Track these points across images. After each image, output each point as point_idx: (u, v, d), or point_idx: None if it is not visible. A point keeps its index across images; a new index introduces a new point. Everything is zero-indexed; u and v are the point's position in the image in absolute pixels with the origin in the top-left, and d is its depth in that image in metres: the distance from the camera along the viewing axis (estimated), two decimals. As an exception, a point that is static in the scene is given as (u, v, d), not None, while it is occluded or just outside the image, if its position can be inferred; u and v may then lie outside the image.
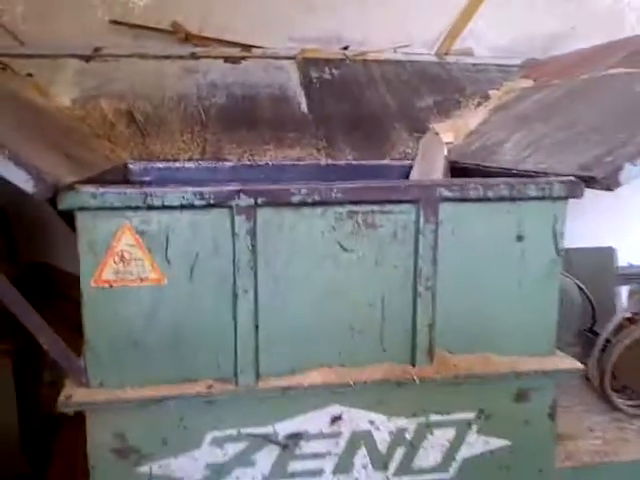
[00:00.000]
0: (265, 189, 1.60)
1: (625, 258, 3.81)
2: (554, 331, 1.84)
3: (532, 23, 3.78)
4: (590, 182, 1.69)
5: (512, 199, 1.73)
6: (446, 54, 3.64)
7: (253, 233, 1.61)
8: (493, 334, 1.81)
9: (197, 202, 1.56)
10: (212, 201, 1.57)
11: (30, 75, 2.88)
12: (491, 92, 3.27)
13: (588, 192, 3.82)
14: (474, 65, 3.53)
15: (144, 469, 1.68)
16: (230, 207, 1.59)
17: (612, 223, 3.87)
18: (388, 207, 1.69)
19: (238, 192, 1.58)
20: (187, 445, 1.69)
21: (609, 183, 1.64)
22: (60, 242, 3.22)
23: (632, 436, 2.11)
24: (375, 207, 1.68)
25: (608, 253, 3.77)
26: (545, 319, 1.82)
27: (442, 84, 3.33)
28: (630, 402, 2.28)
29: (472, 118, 2.98)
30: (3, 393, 2.87)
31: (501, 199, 1.72)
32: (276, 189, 1.61)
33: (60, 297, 3.08)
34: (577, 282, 2.91)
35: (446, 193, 1.69)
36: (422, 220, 1.69)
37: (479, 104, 3.17)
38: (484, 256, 1.76)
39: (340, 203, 1.65)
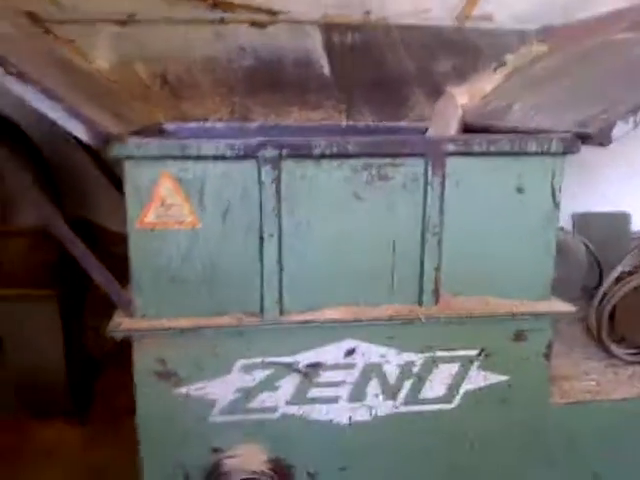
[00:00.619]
0: (288, 142, 1.78)
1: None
2: (550, 277, 2.01)
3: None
4: (585, 139, 1.84)
5: (513, 154, 1.88)
6: (466, 19, 3.74)
7: (278, 182, 1.80)
8: (493, 279, 1.98)
9: (228, 153, 1.75)
10: (241, 152, 1.76)
11: (72, 40, 3.08)
12: (508, 57, 3.39)
13: (607, 159, 3.94)
14: (492, 30, 3.62)
15: (182, 390, 1.91)
16: (257, 158, 1.77)
17: (628, 189, 4.00)
18: (399, 160, 1.86)
19: (265, 144, 1.76)
20: (219, 371, 1.91)
21: (602, 139, 1.79)
22: (101, 200, 3.46)
23: (624, 379, 2.28)
24: (387, 160, 1.85)
25: (623, 218, 3.91)
26: (542, 266, 1.99)
27: (460, 49, 3.43)
28: (626, 350, 2.44)
29: (487, 82, 3.10)
30: (51, 335, 3.16)
31: (503, 154, 1.88)
32: (298, 142, 1.79)
33: (101, 252, 3.36)
34: (585, 241, 3.07)
35: (452, 147, 1.85)
36: (430, 172, 1.86)
37: (495, 68, 3.30)
38: (486, 206, 1.93)
39: (355, 156, 1.83)
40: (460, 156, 1.87)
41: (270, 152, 1.77)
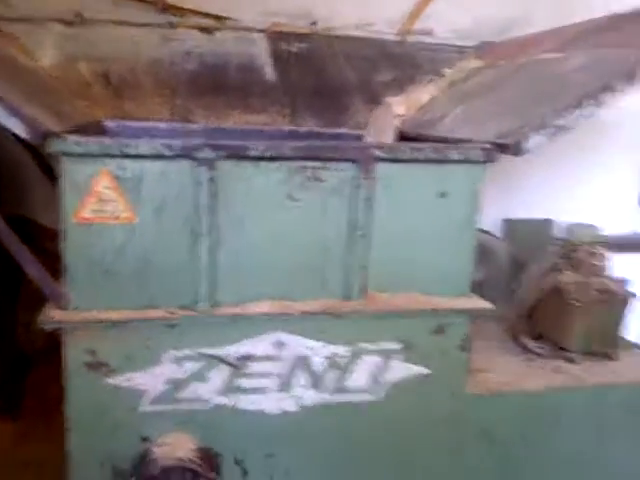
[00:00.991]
0: (227, 144, 1.86)
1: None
2: (469, 276, 2.15)
3: (491, 6, 4.05)
4: (504, 149, 1.99)
5: (437, 161, 2.02)
6: (407, 33, 3.91)
7: (214, 182, 1.88)
8: (417, 276, 2.11)
9: (166, 153, 1.82)
10: (179, 152, 1.83)
11: (16, 38, 3.08)
12: (445, 70, 3.56)
13: (537, 168, 4.15)
14: (432, 45, 3.81)
15: (112, 381, 1.95)
16: (195, 159, 1.85)
17: (553, 196, 4.25)
18: (332, 164, 1.96)
19: (203, 146, 1.84)
20: (150, 362, 1.96)
21: (516, 150, 1.94)
22: (37, 197, 3.45)
23: (538, 372, 2.44)
24: (321, 164, 1.96)
25: (547, 224, 4.15)
26: (462, 265, 2.13)
27: (400, 61, 3.60)
28: (540, 346, 2.61)
29: (424, 94, 3.26)
30: (-19, 331, 3.11)
31: (427, 161, 2.01)
32: (237, 144, 1.87)
33: (35, 249, 3.34)
34: (508, 245, 3.25)
35: (380, 154, 1.97)
36: (359, 176, 1.97)
37: (432, 81, 3.46)
38: (412, 209, 2.05)
39: (292, 159, 1.93)
40: (388, 162, 1.99)
41: (208, 153, 1.84)
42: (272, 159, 1.89)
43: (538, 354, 2.57)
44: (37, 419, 3.32)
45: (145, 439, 2.01)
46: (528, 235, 3.95)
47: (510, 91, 2.53)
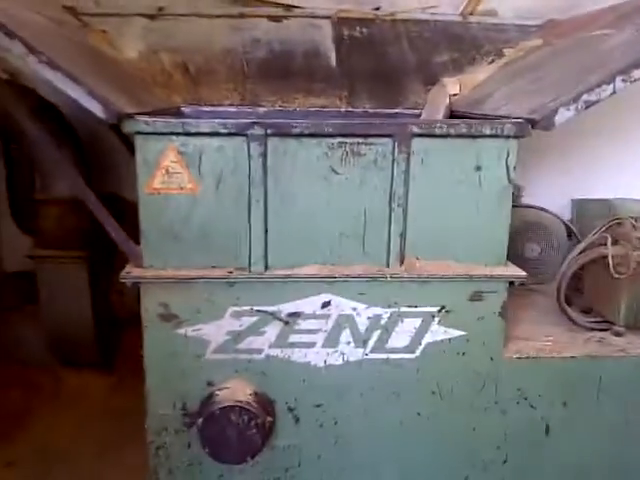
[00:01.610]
0: (273, 122, 2.11)
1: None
2: (505, 245, 2.28)
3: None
4: (534, 123, 2.10)
5: (471, 136, 2.16)
6: (471, 14, 3.98)
7: (264, 156, 2.12)
8: (454, 245, 2.26)
9: (222, 130, 2.09)
10: (233, 130, 2.09)
11: (104, 31, 3.46)
12: (506, 50, 3.62)
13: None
14: (495, 25, 3.85)
15: (182, 331, 2.25)
16: (247, 135, 2.10)
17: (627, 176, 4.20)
18: (370, 139, 2.15)
19: (253, 124, 2.09)
20: (213, 315, 2.25)
21: (546, 124, 2.05)
22: (124, 176, 3.85)
23: (580, 342, 2.53)
24: (360, 139, 2.15)
25: (619, 203, 4.11)
26: (497, 235, 2.26)
27: (461, 42, 3.68)
28: (589, 318, 2.69)
29: (481, 73, 3.36)
30: (81, 294, 3.56)
31: (461, 136, 2.16)
32: (281, 122, 2.11)
33: (124, 222, 3.73)
34: (567, 223, 3.30)
35: (416, 130, 2.14)
36: (397, 151, 2.15)
37: (492, 61, 3.54)
38: (448, 181, 2.20)
39: (332, 135, 2.14)
40: (424, 137, 2.16)
41: (257, 130, 2.09)
42: (312, 136, 2.11)
43: (584, 326, 2.65)
44: (128, 374, 3.75)
45: (209, 383, 2.30)
46: (594, 214, 3.95)
47: (554, 68, 2.60)
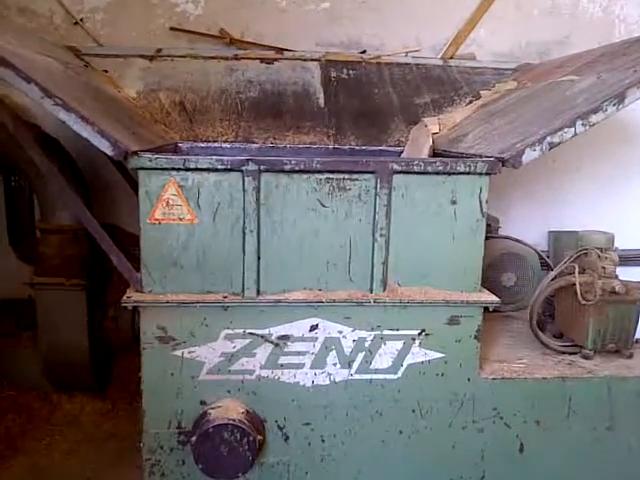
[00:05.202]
0: (266, 159, 2.30)
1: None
2: (479, 273, 2.46)
3: (529, 32, 4.35)
4: (504, 162, 2.32)
5: (447, 173, 2.36)
6: (450, 58, 4.25)
7: (258, 190, 2.31)
8: (432, 272, 2.45)
9: (219, 166, 2.27)
10: (229, 166, 2.28)
11: (106, 71, 3.67)
12: (482, 92, 3.87)
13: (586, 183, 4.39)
14: (473, 68, 4.12)
15: (178, 353, 2.40)
16: (242, 171, 2.29)
17: (601, 209, 4.45)
18: (355, 176, 2.35)
19: (247, 160, 2.28)
20: (208, 338, 2.40)
21: (514, 162, 2.27)
22: (124, 208, 4.03)
23: (551, 363, 2.69)
24: (345, 175, 2.35)
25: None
26: (472, 263, 2.45)
27: (441, 84, 3.94)
28: (559, 342, 2.86)
29: (459, 114, 3.59)
30: (77, 321, 3.68)
31: (438, 173, 2.36)
32: (274, 159, 2.31)
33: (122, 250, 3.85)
34: (540, 253, 3.50)
35: (396, 167, 2.34)
36: (379, 186, 2.35)
37: (470, 102, 3.79)
38: (426, 214, 2.40)
39: (320, 171, 2.33)
40: (404, 174, 2.36)
41: (251, 167, 2.28)
42: (302, 172, 2.30)
43: (555, 350, 2.82)
44: (121, 400, 3.87)
45: (203, 403, 2.44)
46: (567, 245, 4.17)
47: (525, 111, 2.83)
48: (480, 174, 2.37)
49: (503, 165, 2.34)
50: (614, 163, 4.45)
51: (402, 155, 3.38)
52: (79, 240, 3.56)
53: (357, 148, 3.44)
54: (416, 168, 2.35)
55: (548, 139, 2.26)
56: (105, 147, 2.13)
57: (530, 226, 4.49)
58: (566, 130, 2.27)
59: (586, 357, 2.75)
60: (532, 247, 3.42)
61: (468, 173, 2.36)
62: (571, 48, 4.24)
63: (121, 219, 4.02)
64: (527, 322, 2.90)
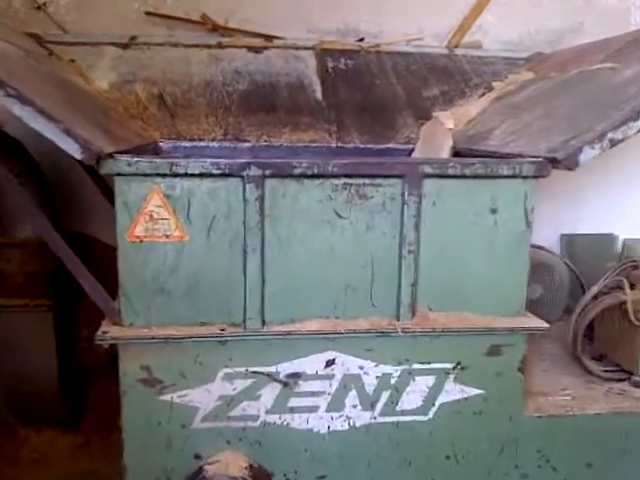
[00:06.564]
0: (272, 162, 1.89)
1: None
2: (524, 294, 2.09)
3: (539, 19, 3.99)
4: (555, 163, 1.94)
5: (487, 177, 1.98)
6: (456, 47, 3.87)
7: (261, 200, 1.90)
8: (469, 295, 2.07)
9: (214, 171, 1.86)
10: (227, 171, 1.86)
11: (73, 61, 3.21)
12: (495, 84, 3.51)
13: (594, 182, 4.04)
14: (481, 58, 3.76)
15: (166, 397, 1.99)
16: (242, 177, 1.87)
17: (618, 210, 4.10)
18: (378, 181, 1.96)
19: (249, 164, 1.87)
20: (202, 379, 1.99)
21: (569, 163, 1.89)
22: (95, 214, 3.56)
23: (599, 394, 2.35)
24: (367, 180, 1.95)
25: (609, 239, 4.00)
26: (515, 283, 2.08)
27: (449, 75, 3.57)
28: (603, 367, 2.51)
29: (474, 107, 3.22)
30: (44, 345, 3.22)
31: (477, 176, 1.98)
32: (281, 162, 1.90)
33: (95, 265, 3.43)
34: (568, 263, 3.15)
35: (428, 170, 1.95)
36: (407, 193, 1.96)
37: (483, 94, 3.42)
38: (462, 225, 2.02)
39: (336, 176, 1.93)
40: (436, 178, 1.97)
41: (254, 171, 1.87)
42: (315, 176, 1.90)
43: (599, 376, 2.47)
44: (97, 432, 3.41)
45: (198, 456, 2.03)
46: (588, 251, 3.83)
47: (561, 103, 2.47)
48: (525, 177, 1.99)
49: (554, 167, 1.96)
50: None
51: (413, 155, 2.98)
52: (43, 255, 3.09)
53: (362, 147, 3.03)
54: (451, 171, 1.96)
55: (610, 135, 1.89)
56: (73, 149, 1.70)
57: (539, 229, 4.13)
58: (630, 125, 1.90)
59: (637, 385, 2.39)
60: (558, 255, 3.07)
61: (512, 177, 1.98)
62: (585, 37, 3.89)
63: (95, 228, 3.55)
64: (559, 340, 2.57)
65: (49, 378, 3.27)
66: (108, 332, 1.94)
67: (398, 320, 2.04)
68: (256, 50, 3.57)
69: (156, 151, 2.79)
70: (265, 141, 3.01)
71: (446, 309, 2.06)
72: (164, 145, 2.86)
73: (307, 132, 3.08)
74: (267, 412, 2.04)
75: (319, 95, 3.31)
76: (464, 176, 1.98)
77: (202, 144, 2.93)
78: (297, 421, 2.06)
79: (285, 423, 2.05)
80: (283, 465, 2.08)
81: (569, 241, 4.17)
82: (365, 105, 3.29)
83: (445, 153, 2.69)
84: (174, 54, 3.42)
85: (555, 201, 4.17)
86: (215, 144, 2.96)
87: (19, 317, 3.15)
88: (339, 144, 3.02)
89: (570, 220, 4.12)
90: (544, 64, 3.46)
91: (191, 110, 3.10)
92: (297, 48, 3.63)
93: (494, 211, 2.02)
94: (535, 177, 1.99)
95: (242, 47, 3.57)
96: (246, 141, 2.98)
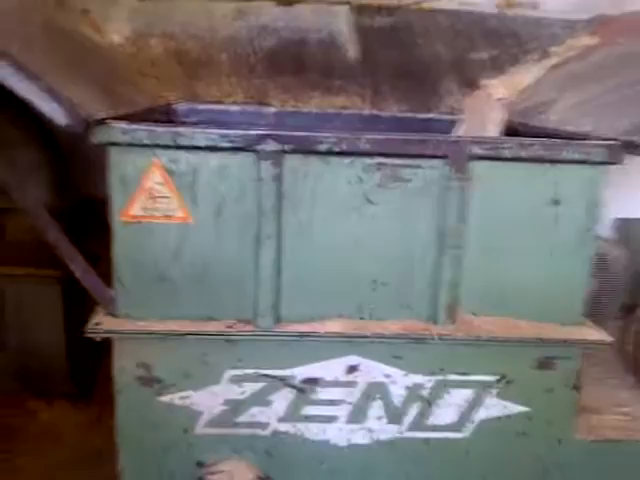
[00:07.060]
0: (292, 135, 1.60)
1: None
2: (583, 301, 1.79)
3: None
4: (630, 147, 1.61)
5: (549, 161, 1.66)
6: (508, 6, 3.48)
7: (279, 180, 1.62)
8: (520, 299, 1.77)
9: (225, 144, 1.57)
10: (239, 144, 1.58)
11: (86, 11, 2.92)
12: (553, 49, 3.13)
13: None
14: (537, 20, 3.36)
15: (166, 398, 1.76)
16: (257, 152, 1.59)
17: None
18: (417, 161, 1.65)
19: (265, 136, 1.57)
20: (207, 380, 1.76)
21: (653, 149, 1.56)
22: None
23: (662, 414, 2.05)
24: (404, 160, 1.65)
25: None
26: (575, 288, 1.78)
27: (500, 38, 3.18)
28: (662, 378, 2.21)
29: (527, 75, 2.86)
30: (52, 318, 3.06)
31: (537, 160, 1.66)
32: (303, 136, 1.60)
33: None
34: (627, 252, 2.81)
35: (477, 150, 1.64)
36: (451, 176, 1.65)
37: (538, 61, 3.05)
38: (516, 218, 1.72)
39: (368, 154, 1.63)
40: (487, 160, 1.66)
41: (271, 146, 1.58)
42: (343, 154, 1.60)
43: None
44: (108, 407, 3.24)
45: (200, 464, 1.81)
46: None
47: (635, 76, 2.10)
48: (595, 163, 1.66)
49: (629, 152, 1.63)
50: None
51: (456, 129, 2.65)
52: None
53: (400, 115, 2.70)
54: (506, 153, 1.64)
55: None
56: (55, 112, 1.42)
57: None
58: None
59: None
60: (617, 245, 2.72)
61: (581, 162, 1.66)
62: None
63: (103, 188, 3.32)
64: (613, 345, 2.25)
65: (57, 352, 3.13)
66: (101, 324, 1.70)
67: (435, 324, 1.75)
68: (285, 3, 3.23)
69: (169, 114, 2.51)
70: (292, 106, 2.70)
71: (492, 314, 1.77)
72: (179, 107, 2.57)
73: (339, 96, 2.76)
74: (279, 420, 1.80)
75: (353, 55, 2.98)
76: (521, 159, 1.65)
77: (221, 107, 2.64)
78: (313, 431, 1.81)
79: (299, 433, 1.81)
80: (295, 479, 1.85)
81: (625, 226, 3.77)
82: (404, 68, 2.94)
83: (493, 129, 2.35)
84: (196, 6, 3.10)
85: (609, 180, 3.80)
86: (236, 108, 2.66)
87: (26, 288, 2.99)
88: (374, 111, 2.70)
89: (626, 202, 3.74)
90: (609, 28, 3.05)
91: (211, 69, 2.80)
92: (331, 3, 3.28)
93: (556, 202, 1.70)
94: (607, 163, 1.67)
95: (270, 0, 3.24)
96: (270, 105, 2.68)
